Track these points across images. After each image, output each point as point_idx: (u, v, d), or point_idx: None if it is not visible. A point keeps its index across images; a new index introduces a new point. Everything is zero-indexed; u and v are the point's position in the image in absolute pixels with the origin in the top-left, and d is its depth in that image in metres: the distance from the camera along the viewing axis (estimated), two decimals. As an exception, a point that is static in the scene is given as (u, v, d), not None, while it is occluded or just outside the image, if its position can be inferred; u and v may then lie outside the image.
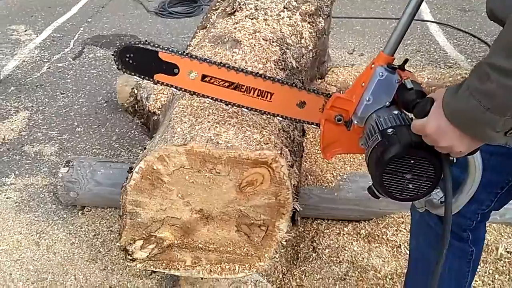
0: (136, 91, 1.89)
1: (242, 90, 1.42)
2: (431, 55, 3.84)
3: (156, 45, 1.39)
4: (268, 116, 1.46)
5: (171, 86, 1.43)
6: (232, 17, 2.23)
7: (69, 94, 3.38)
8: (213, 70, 1.41)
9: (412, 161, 1.11)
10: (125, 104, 1.96)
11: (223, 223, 1.56)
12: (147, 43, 1.38)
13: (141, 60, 1.39)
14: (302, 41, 2.30)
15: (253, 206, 1.51)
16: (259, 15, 2.19)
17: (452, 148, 1.00)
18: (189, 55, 1.40)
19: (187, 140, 1.45)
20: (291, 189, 1.48)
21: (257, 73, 1.41)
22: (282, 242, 1.58)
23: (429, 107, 1.03)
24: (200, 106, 1.61)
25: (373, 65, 1.24)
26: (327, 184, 2.10)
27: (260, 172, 1.45)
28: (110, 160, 2.33)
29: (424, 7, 4.80)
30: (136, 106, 1.92)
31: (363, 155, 1.24)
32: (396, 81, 1.22)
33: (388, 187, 1.16)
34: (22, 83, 3.56)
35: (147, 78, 1.42)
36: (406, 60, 1.24)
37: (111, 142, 2.84)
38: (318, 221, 2.17)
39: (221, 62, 1.41)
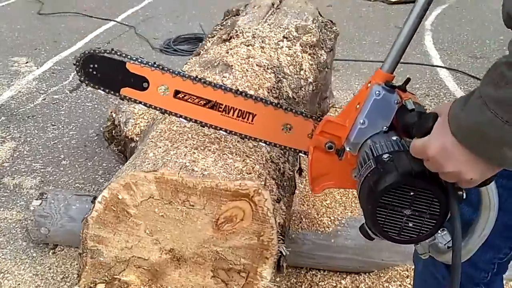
0: (114, 115, 1.72)
1: (220, 109, 1.24)
2: (440, 100, 3.68)
3: (124, 55, 1.23)
4: (251, 141, 1.27)
5: (139, 102, 1.25)
6: (227, 43, 2.09)
7: (60, 126, 3.24)
8: (187, 86, 1.24)
9: (411, 193, 0.91)
10: (102, 129, 1.79)
11: (197, 267, 1.34)
12: (113, 51, 1.22)
13: (107, 72, 1.23)
14: (302, 72, 2.14)
15: (232, 248, 1.30)
16: (256, 42, 2.04)
17: (460, 175, 0.80)
18: (160, 67, 1.23)
19: (158, 166, 1.25)
20: (276, 228, 1.27)
21: (237, 90, 1.24)
22: (265, 291, 1.35)
23: (432, 123, 0.83)
24: (179, 131, 1.43)
25: (369, 84, 1.06)
26: (323, 229, 1.87)
27: (241, 207, 1.25)
28: (87, 194, 2.14)
29: (434, 53, 4.69)
30: (114, 131, 1.74)
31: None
32: (396, 101, 1.03)
33: (383, 225, 0.95)
34: (14, 113, 3.43)
35: (112, 92, 1.25)
36: (408, 80, 1.06)
37: (96, 176, 2.66)
38: (313, 272, 1.93)
39: (196, 77, 1.24)
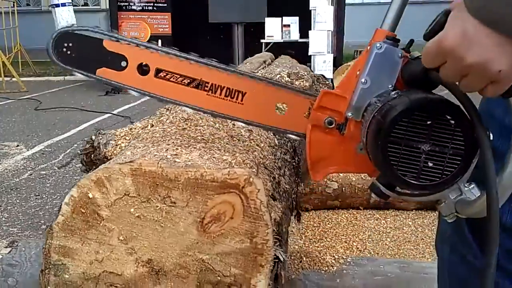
0: (93, 138, 1.60)
1: (206, 89, 1.12)
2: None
3: (102, 32, 1.14)
4: (241, 124, 1.13)
5: (117, 83, 1.14)
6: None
7: (44, 196, 3.08)
8: (170, 63, 1.13)
9: (429, 122, 0.77)
10: (78, 152, 1.66)
11: (180, 282, 1.13)
12: (89, 28, 1.13)
13: (82, 51, 1.13)
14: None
15: (220, 254, 1.11)
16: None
17: (487, 67, 0.67)
18: (141, 43, 1.14)
19: (135, 158, 1.11)
20: (272, 226, 1.09)
21: (225, 67, 1.13)
22: (261, 311, 1.13)
23: (445, 17, 0.72)
24: (162, 134, 1.30)
25: (369, 47, 0.96)
26: (326, 268, 1.66)
27: (230, 201, 1.08)
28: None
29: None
30: (93, 155, 1.60)
31: (366, 176, 0.88)
32: (400, 55, 0.92)
33: (397, 167, 0.79)
34: (-3, 187, 3.29)
35: (87, 73, 1.14)
36: (411, 41, 0.96)
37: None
38: (318, 322, 1.67)
39: (181, 53, 1.14)
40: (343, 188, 2.63)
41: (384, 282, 1.62)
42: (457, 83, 0.74)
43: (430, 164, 0.79)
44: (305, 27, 7.93)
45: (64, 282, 1.15)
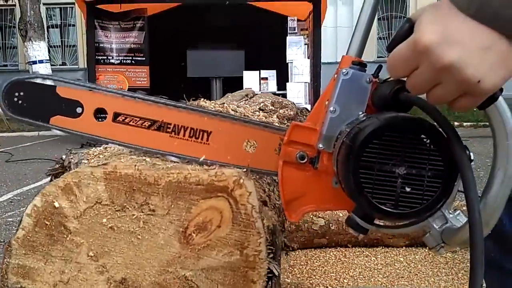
0: (64, 157, 1.47)
1: (168, 130, 1.04)
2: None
3: (55, 78, 1.07)
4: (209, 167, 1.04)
5: (72, 132, 1.05)
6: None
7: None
8: (128, 106, 1.05)
9: (401, 143, 0.71)
10: (48, 173, 1.51)
11: (159, 305, 0.98)
12: (41, 75, 1.07)
13: (34, 100, 1.05)
14: (281, 140, 1.97)
15: (206, 270, 0.97)
16: (229, 109, 1.90)
17: (465, 71, 0.59)
18: (96, 88, 1.06)
19: (109, 161, 0.99)
20: (265, 234, 0.96)
21: (186, 106, 1.06)
22: (254, 337, 0.98)
23: (409, 24, 0.65)
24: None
25: (335, 75, 0.91)
26: (321, 301, 1.51)
27: (217, 207, 0.96)
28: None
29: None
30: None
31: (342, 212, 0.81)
32: (368, 80, 0.87)
33: (372, 196, 0.72)
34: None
35: (40, 122, 1.06)
36: (380, 66, 0.91)
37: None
38: None
39: (137, 94, 1.07)
40: (330, 225, 2.50)
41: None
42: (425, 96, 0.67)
43: (408, 189, 0.71)
44: (282, 79, 8.04)
45: (22, 310, 0.98)
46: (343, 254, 2.43)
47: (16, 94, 1.05)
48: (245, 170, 0.96)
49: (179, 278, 0.97)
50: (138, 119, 1.06)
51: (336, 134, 0.86)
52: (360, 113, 0.85)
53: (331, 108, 0.86)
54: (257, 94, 2.62)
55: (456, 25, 0.59)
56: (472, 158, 0.69)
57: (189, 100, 1.52)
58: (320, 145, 0.88)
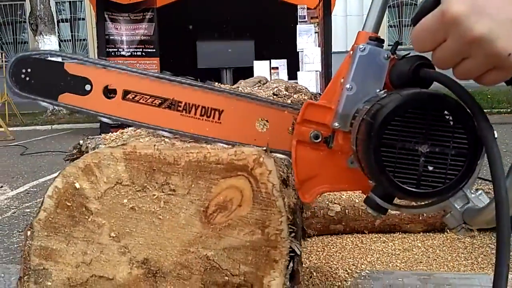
0: (81, 142, 1.47)
1: (179, 109, 1.03)
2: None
3: (63, 54, 1.06)
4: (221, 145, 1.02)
5: (81, 109, 1.04)
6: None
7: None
8: (139, 83, 1.04)
9: (424, 117, 0.69)
10: (66, 158, 1.51)
11: (181, 285, 0.98)
12: (48, 51, 1.06)
13: (42, 77, 1.04)
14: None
15: (228, 249, 0.96)
16: (243, 89, 1.89)
17: (495, 44, 0.57)
18: (105, 64, 1.05)
19: (128, 142, 0.98)
20: (286, 213, 0.95)
21: (199, 84, 1.04)
22: (276, 317, 0.97)
23: None
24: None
25: (351, 52, 0.89)
26: (339, 283, 1.50)
27: (237, 186, 0.95)
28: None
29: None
30: (80, 161, 1.46)
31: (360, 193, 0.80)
32: (386, 56, 0.84)
33: (394, 175, 0.70)
34: (-23, 227, 3.09)
35: (49, 100, 1.05)
36: (397, 42, 0.89)
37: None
38: None
39: (149, 71, 1.06)
40: (346, 211, 2.48)
41: (404, 296, 1.47)
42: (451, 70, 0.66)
43: (431, 168, 0.70)
44: (293, 69, 7.99)
45: (45, 291, 0.98)
46: (360, 240, 2.41)
47: (23, 70, 1.04)
48: (265, 148, 0.95)
49: (200, 258, 0.96)
50: (148, 97, 1.05)
51: (353, 113, 0.85)
52: (378, 91, 0.84)
53: (348, 86, 0.85)
54: (270, 81, 2.59)
55: None
56: (496, 136, 0.68)
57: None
58: (336, 124, 0.87)
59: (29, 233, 0.99)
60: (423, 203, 0.80)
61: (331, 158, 0.92)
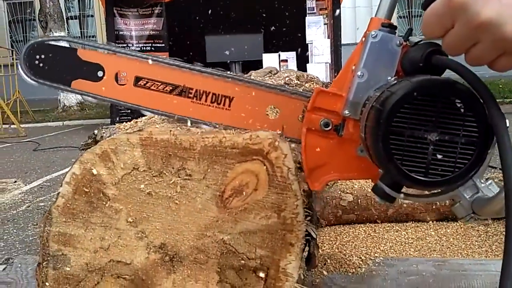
0: (96, 132, 1.48)
1: (190, 95, 1.04)
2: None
3: (75, 41, 1.08)
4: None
5: (94, 95, 1.05)
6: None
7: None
8: (150, 70, 1.06)
9: (434, 105, 0.68)
10: (81, 148, 1.52)
11: (198, 269, 0.99)
12: (60, 37, 1.08)
13: (56, 63, 1.06)
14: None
15: (244, 233, 0.97)
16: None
17: (505, 27, 0.57)
18: (117, 50, 1.07)
19: (144, 128, 0.99)
20: (301, 197, 0.96)
21: (210, 71, 1.05)
22: (293, 300, 0.98)
23: None
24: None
25: (363, 39, 0.89)
26: (353, 270, 1.50)
27: (253, 170, 0.96)
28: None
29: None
30: (95, 151, 1.47)
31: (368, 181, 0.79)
32: (398, 42, 0.84)
33: (402, 163, 0.70)
34: (-7, 220, 3.13)
35: (62, 86, 1.07)
36: (410, 29, 0.88)
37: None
38: (347, 333, 1.50)
39: (160, 58, 1.07)
40: (359, 200, 2.48)
41: (419, 282, 1.46)
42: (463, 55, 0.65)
43: (440, 156, 0.70)
44: (302, 61, 7.96)
45: (64, 276, 1.00)
46: (373, 230, 2.41)
47: (37, 57, 1.06)
48: (280, 132, 0.96)
49: (217, 242, 0.97)
50: (159, 83, 1.06)
51: (364, 100, 0.85)
52: (389, 78, 0.83)
53: (359, 73, 0.84)
54: (281, 71, 2.59)
55: None
56: (508, 125, 0.67)
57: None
58: (346, 112, 0.87)
59: (47, 219, 1.00)
60: (431, 192, 0.80)
61: (341, 146, 0.92)
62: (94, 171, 0.98)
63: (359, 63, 0.85)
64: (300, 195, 0.95)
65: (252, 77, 1.93)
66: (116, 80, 1.07)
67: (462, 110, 0.68)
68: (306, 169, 0.93)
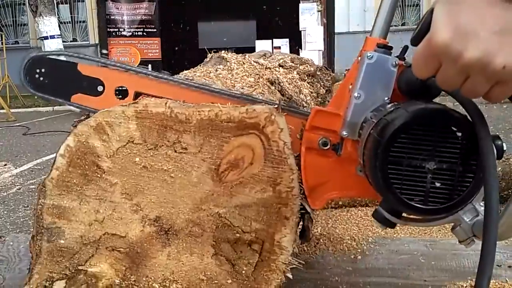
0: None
1: None
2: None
3: (76, 55, 1.08)
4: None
5: (94, 110, 1.04)
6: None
7: (32, 207, 2.90)
8: (150, 85, 1.05)
9: (431, 134, 0.70)
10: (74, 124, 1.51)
11: (193, 242, 0.99)
12: (62, 51, 1.09)
13: (56, 77, 1.07)
14: (302, 96, 1.95)
15: (239, 207, 0.97)
16: (250, 57, 1.88)
17: (489, 60, 0.56)
18: (118, 65, 1.06)
19: (140, 101, 0.98)
20: (297, 171, 0.96)
21: (208, 88, 1.05)
22: (287, 273, 0.99)
23: (431, 15, 0.62)
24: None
25: (359, 58, 0.88)
26: (346, 249, 1.51)
27: (249, 144, 0.96)
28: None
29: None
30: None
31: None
32: (394, 63, 0.84)
33: (401, 192, 0.71)
34: (-17, 203, 3.11)
35: (62, 100, 1.07)
36: (405, 47, 0.88)
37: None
38: (338, 309, 1.51)
39: (161, 74, 1.07)
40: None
41: (410, 261, 1.48)
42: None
43: (438, 184, 0.70)
44: (295, 48, 7.95)
45: (58, 249, 1.00)
46: (364, 213, 2.42)
47: (37, 70, 1.07)
48: (276, 106, 0.96)
49: (212, 216, 0.97)
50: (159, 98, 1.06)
51: (361, 121, 0.85)
52: (386, 98, 0.84)
53: (356, 94, 0.85)
54: (274, 54, 2.58)
55: (466, 13, 0.57)
56: (505, 148, 0.68)
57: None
58: (344, 133, 0.88)
59: (41, 192, 1.00)
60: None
61: (340, 165, 0.93)
62: (89, 143, 0.97)
63: (355, 84, 0.85)
64: (296, 169, 0.95)
65: (252, 59, 1.92)
66: (116, 95, 1.08)
67: (459, 138, 0.69)
68: (306, 187, 0.95)
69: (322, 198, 0.95)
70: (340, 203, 2.53)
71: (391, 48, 0.85)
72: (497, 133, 0.72)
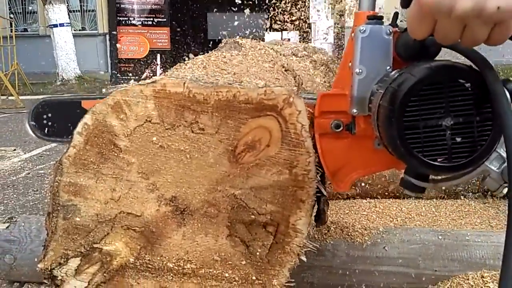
0: (104, 91, 1.48)
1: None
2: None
3: (78, 96, 1.13)
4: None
5: None
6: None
7: (42, 192, 2.93)
8: None
9: (441, 92, 0.69)
10: None
11: (208, 222, 0.99)
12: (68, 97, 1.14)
13: (62, 118, 1.09)
14: (315, 85, 1.95)
15: (255, 189, 0.97)
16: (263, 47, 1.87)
17: (483, 6, 0.56)
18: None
19: (158, 80, 0.98)
20: (314, 154, 0.96)
21: None
22: (301, 256, 0.99)
23: None
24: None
25: (353, 34, 0.87)
26: (357, 237, 1.51)
27: (266, 126, 0.96)
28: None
29: None
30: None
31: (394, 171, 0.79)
32: (388, 32, 0.83)
33: (423, 154, 0.70)
34: (-7, 186, 3.13)
35: (67, 139, 1.08)
36: (396, 13, 0.87)
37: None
38: (348, 298, 1.51)
39: None
40: (361, 175, 2.49)
41: (421, 251, 1.48)
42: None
43: (459, 139, 0.70)
44: (305, 41, 7.91)
45: (74, 226, 1.00)
46: (374, 205, 2.42)
47: (45, 116, 1.10)
48: (295, 88, 0.95)
49: (228, 197, 0.97)
50: None
51: (368, 95, 0.85)
52: (388, 68, 0.83)
53: (357, 70, 0.84)
54: (287, 43, 2.57)
55: None
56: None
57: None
58: (354, 110, 0.87)
59: (58, 169, 1.00)
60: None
61: (357, 143, 0.93)
62: (107, 121, 0.97)
63: (354, 61, 0.85)
64: (313, 152, 0.95)
65: (267, 46, 1.91)
66: None
67: (469, 89, 0.68)
68: (328, 173, 0.94)
69: (347, 180, 0.95)
70: (349, 194, 2.53)
71: (381, 17, 0.85)
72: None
